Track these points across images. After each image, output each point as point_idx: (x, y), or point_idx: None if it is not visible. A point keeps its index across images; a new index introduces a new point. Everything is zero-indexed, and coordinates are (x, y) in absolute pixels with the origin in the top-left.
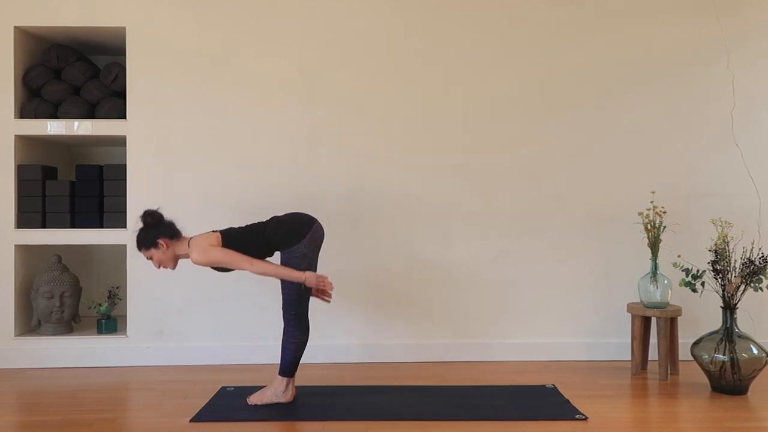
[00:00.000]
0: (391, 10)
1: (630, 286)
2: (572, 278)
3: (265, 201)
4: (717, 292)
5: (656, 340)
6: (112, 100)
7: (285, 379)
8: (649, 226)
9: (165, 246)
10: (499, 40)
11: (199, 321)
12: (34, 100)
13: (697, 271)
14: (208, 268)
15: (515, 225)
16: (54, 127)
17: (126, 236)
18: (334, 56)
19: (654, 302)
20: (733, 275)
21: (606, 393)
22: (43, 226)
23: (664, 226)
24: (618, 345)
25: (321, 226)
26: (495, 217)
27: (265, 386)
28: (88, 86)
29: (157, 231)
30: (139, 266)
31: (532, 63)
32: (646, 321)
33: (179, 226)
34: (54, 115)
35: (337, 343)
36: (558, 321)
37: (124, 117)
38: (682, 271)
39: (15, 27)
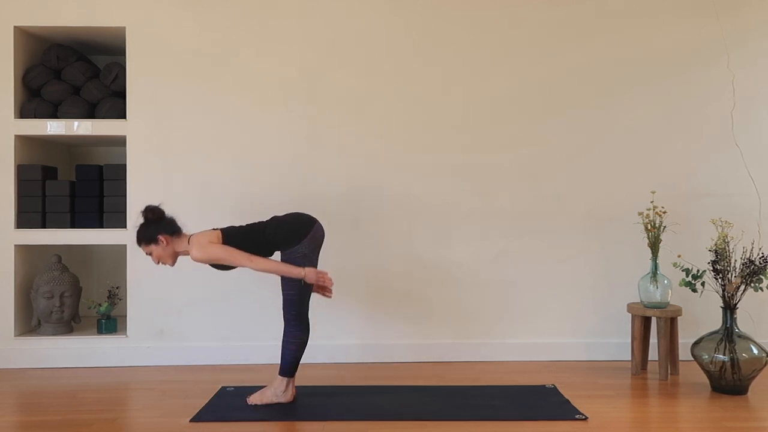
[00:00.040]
0: (391, 10)
1: (630, 286)
2: (572, 278)
3: (265, 201)
4: (717, 292)
5: (656, 340)
6: (112, 100)
7: (285, 379)
8: (649, 226)
9: (165, 242)
10: (499, 40)
11: (199, 321)
12: (34, 100)
13: (697, 271)
14: (208, 266)
15: (515, 225)
16: (54, 127)
17: (126, 236)
18: (334, 56)
19: (654, 302)
20: (733, 275)
21: (606, 393)
22: (43, 226)
23: (664, 226)
24: (618, 345)
25: (321, 226)
26: (495, 217)
27: (265, 386)
28: (88, 86)
29: (158, 227)
30: (139, 266)
31: (532, 63)
32: (646, 321)
33: (180, 223)
34: (54, 115)
35: (337, 343)
36: (558, 321)
37: (124, 117)
38: (682, 271)
39: (15, 27)
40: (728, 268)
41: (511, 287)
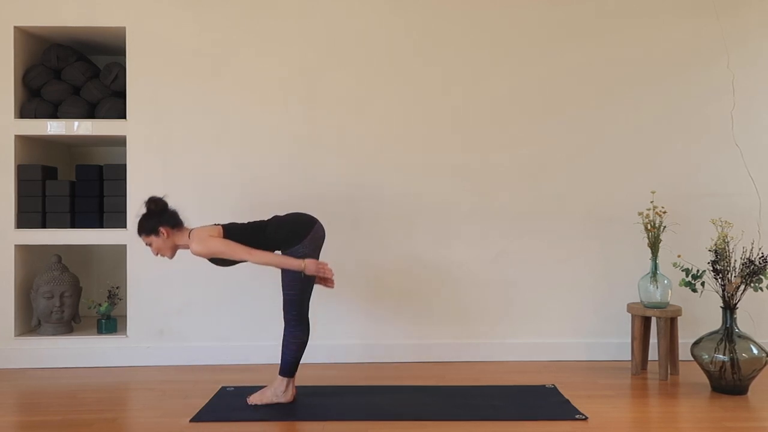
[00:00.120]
0: (391, 10)
1: (630, 286)
2: (572, 278)
3: (265, 201)
4: (717, 292)
5: (656, 340)
6: (112, 100)
7: (285, 379)
8: (649, 226)
9: (165, 234)
10: (499, 40)
11: (199, 321)
12: (34, 100)
13: (697, 271)
14: (208, 265)
15: (515, 225)
16: (54, 127)
17: (126, 236)
18: (333, 56)
19: (654, 302)
20: (733, 275)
21: (606, 393)
22: (43, 226)
23: (664, 226)
24: (618, 345)
25: (322, 226)
26: (495, 217)
27: (265, 386)
28: (88, 86)
29: (160, 219)
30: (139, 266)
31: (532, 63)
32: (646, 321)
33: (182, 216)
34: (54, 115)
35: (337, 343)
36: (558, 321)
37: (124, 117)
38: (682, 271)
39: (15, 27)
40: (728, 268)
41: (511, 287)
